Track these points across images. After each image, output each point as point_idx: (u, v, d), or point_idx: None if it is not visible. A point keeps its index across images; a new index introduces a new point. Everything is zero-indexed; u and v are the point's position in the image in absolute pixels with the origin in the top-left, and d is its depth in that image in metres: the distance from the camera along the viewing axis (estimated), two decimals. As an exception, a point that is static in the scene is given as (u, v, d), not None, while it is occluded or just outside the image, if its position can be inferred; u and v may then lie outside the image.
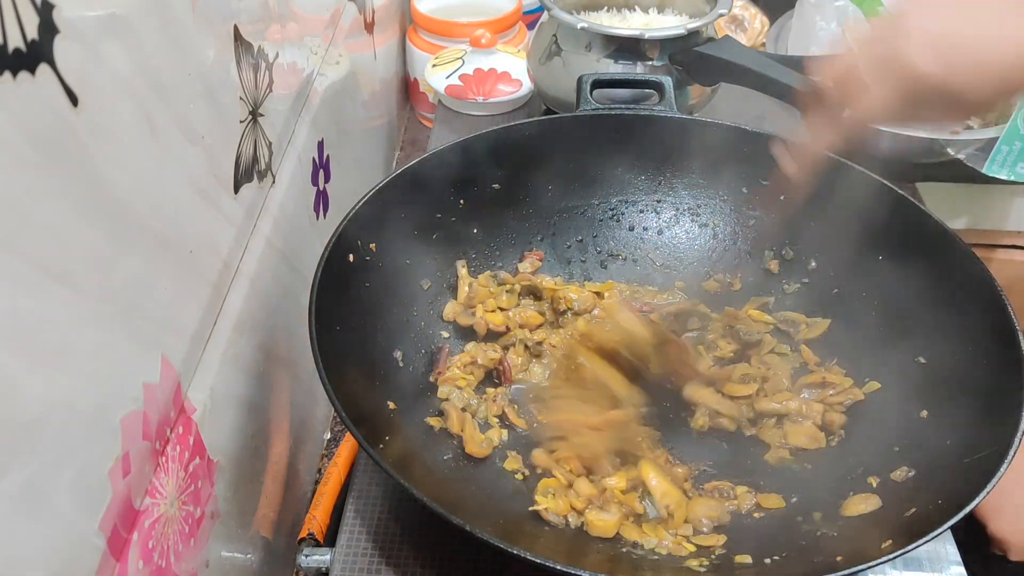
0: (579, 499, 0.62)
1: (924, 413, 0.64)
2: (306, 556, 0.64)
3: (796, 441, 0.67)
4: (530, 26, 1.17)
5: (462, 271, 0.77)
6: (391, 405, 0.65)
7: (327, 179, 0.83)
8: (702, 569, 0.58)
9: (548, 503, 0.61)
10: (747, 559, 0.58)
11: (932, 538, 0.51)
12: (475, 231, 0.79)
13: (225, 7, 0.58)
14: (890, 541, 0.52)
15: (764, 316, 0.78)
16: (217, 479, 0.56)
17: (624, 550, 0.60)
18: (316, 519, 0.66)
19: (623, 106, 0.83)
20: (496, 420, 0.70)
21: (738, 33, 1.22)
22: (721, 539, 0.61)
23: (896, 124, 0.53)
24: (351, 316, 0.65)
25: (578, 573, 0.49)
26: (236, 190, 0.60)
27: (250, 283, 0.61)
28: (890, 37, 0.49)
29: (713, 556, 0.59)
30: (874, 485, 0.62)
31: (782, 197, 0.67)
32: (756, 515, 0.63)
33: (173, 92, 0.49)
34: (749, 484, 0.66)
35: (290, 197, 0.71)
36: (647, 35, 0.90)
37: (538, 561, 0.49)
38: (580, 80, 0.83)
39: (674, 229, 0.84)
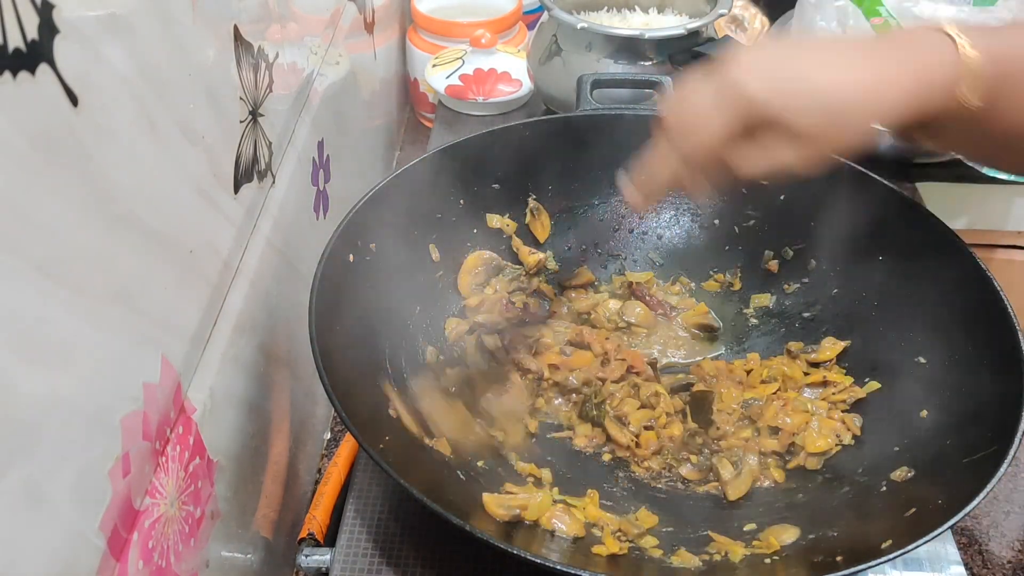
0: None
1: (924, 413, 0.64)
2: (306, 556, 0.64)
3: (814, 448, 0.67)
4: (530, 26, 1.17)
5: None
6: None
7: (327, 179, 0.83)
8: (702, 567, 0.58)
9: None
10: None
11: (932, 538, 0.51)
12: (475, 231, 0.79)
13: (225, 7, 0.58)
14: (890, 541, 0.52)
15: (767, 300, 0.80)
16: (217, 479, 0.56)
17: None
18: (316, 519, 0.66)
19: (623, 106, 0.83)
20: None
21: (738, 33, 1.22)
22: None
23: (739, 161, 0.52)
24: (351, 316, 0.65)
25: (578, 573, 0.49)
26: (236, 190, 0.60)
27: (250, 283, 0.61)
28: (727, 66, 0.51)
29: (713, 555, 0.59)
30: (874, 485, 0.62)
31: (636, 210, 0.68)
32: (756, 515, 0.63)
33: (173, 92, 0.49)
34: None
35: (290, 197, 0.71)
36: (647, 35, 0.90)
37: (538, 561, 0.49)
38: (580, 80, 0.83)
39: (674, 229, 0.84)
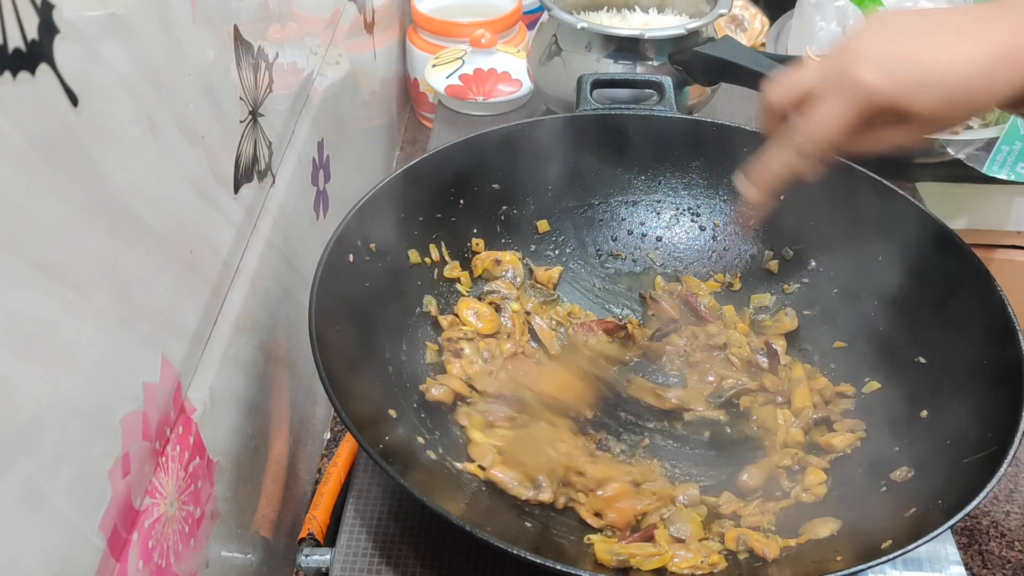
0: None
1: (924, 413, 0.64)
2: (306, 556, 0.64)
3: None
4: (530, 26, 1.18)
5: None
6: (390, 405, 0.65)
7: (327, 179, 0.83)
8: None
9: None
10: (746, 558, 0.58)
11: (932, 538, 0.51)
12: (475, 231, 0.79)
13: (225, 7, 0.58)
14: (890, 541, 0.52)
15: (767, 300, 0.80)
16: (217, 479, 0.56)
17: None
18: (316, 519, 0.66)
19: (623, 106, 0.83)
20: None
21: (738, 33, 1.22)
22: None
23: (853, 147, 0.53)
24: (351, 316, 0.65)
25: (578, 573, 0.49)
26: (236, 190, 0.60)
27: (250, 283, 0.61)
28: (841, 56, 0.51)
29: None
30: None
31: (748, 223, 0.68)
32: (756, 515, 0.63)
33: (173, 92, 0.49)
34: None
35: (290, 197, 0.71)
36: (647, 35, 0.90)
37: (538, 561, 0.49)
38: (580, 80, 0.83)
39: (674, 229, 0.84)
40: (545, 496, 0.62)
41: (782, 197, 0.58)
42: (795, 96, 0.53)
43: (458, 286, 0.77)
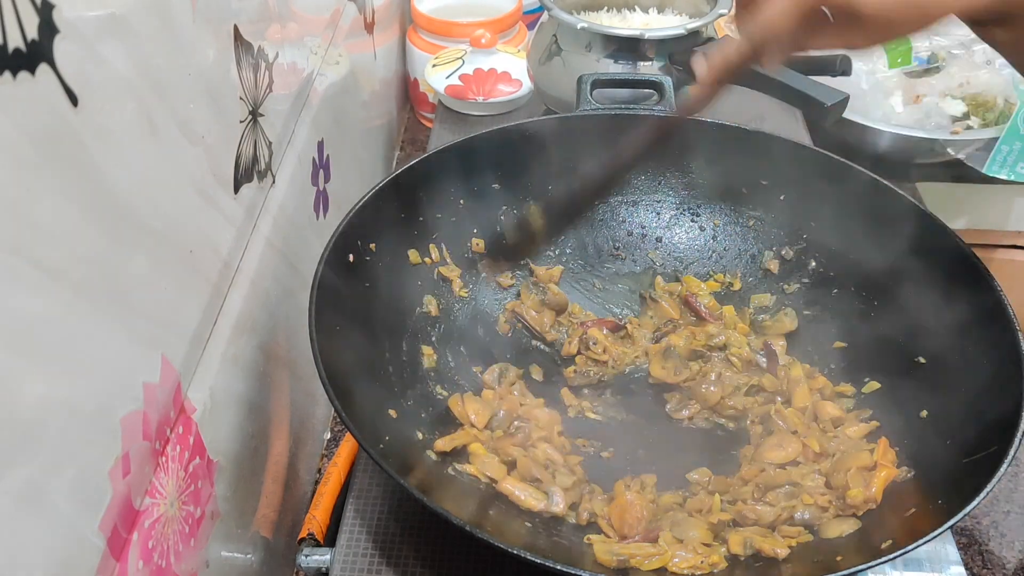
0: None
1: (924, 413, 0.64)
2: (306, 556, 0.64)
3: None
4: (530, 26, 1.18)
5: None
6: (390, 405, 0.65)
7: (327, 179, 0.83)
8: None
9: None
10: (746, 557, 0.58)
11: (932, 538, 0.51)
12: (475, 231, 0.79)
13: (225, 7, 0.58)
14: (890, 541, 0.52)
15: (767, 300, 0.80)
16: (217, 479, 0.56)
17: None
18: (316, 519, 0.66)
19: (623, 106, 0.83)
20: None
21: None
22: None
23: (805, 43, 0.52)
24: (351, 316, 0.65)
25: (578, 573, 0.49)
26: (236, 190, 0.60)
27: (250, 283, 0.61)
28: None
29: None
30: (874, 485, 0.62)
31: (690, 108, 0.66)
32: (756, 515, 0.63)
33: (173, 92, 0.49)
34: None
35: (290, 197, 0.71)
36: (647, 35, 0.90)
37: (538, 561, 0.49)
38: (580, 80, 0.83)
39: (674, 229, 0.84)
40: (558, 509, 0.61)
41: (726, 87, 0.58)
42: None
43: (452, 286, 0.77)
